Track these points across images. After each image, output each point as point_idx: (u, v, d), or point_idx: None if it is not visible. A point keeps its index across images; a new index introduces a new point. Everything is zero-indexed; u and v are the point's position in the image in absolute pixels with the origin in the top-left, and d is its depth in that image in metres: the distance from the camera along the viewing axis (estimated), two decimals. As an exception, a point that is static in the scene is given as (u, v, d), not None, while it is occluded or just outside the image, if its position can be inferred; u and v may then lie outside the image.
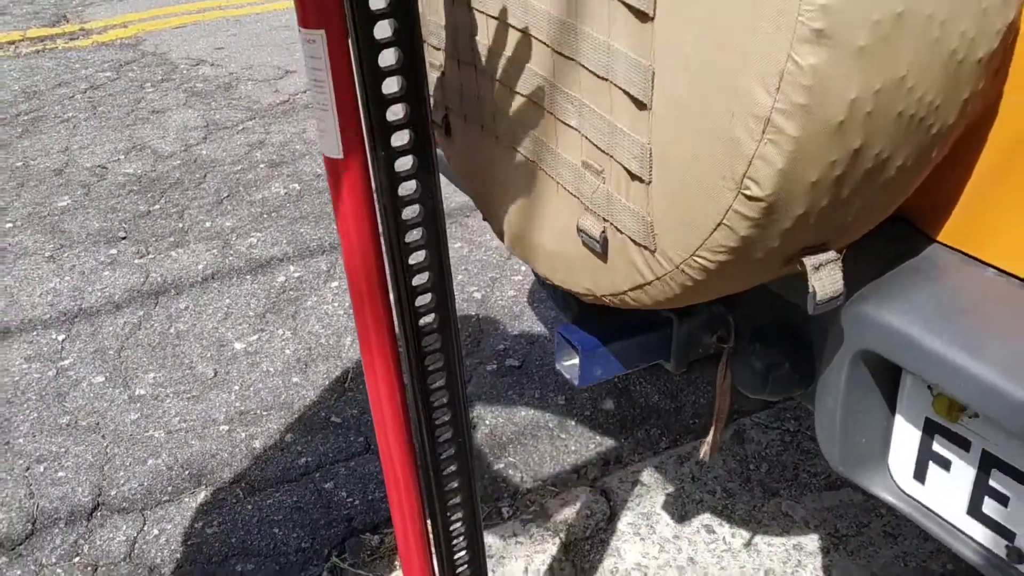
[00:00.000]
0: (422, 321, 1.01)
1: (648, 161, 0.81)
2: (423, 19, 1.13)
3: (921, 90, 0.71)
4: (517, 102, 1.01)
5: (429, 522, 1.26)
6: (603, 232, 0.92)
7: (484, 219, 1.25)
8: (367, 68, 0.81)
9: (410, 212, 0.93)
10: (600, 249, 0.93)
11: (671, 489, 2.09)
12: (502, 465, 2.16)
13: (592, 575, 1.88)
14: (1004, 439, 0.92)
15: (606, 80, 0.83)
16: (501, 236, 1.17)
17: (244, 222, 3.19)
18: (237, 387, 2.40)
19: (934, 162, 0.82)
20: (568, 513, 2.03)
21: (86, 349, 2.55)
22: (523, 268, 2.92)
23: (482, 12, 1.00)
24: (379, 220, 0.93)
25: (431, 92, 1.20)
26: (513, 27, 0.95)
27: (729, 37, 0.69)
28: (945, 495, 1.01)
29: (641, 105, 0.80)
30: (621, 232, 0.90)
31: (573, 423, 2.30)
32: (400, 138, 0.91)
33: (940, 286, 0.93)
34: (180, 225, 3.19)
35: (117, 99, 4.25)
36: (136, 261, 2.96)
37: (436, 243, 0.94)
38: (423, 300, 0.98)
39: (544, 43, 0.91)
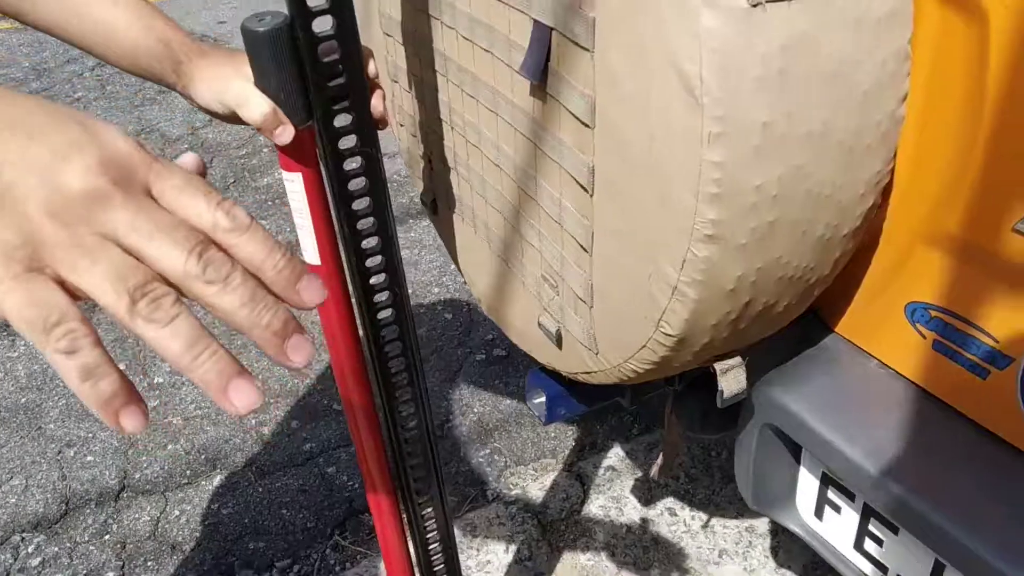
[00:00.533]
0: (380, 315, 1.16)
1: (590, 292, 1.02)
2: (416, 120, 1.33)
3: (796, 262, 0.92)
4: (491, 213, 1.21)
5: (404, 517, 1.45)
6: (558, 330, 1.13)
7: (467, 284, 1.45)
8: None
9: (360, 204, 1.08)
10: (556, 342, 1.15)
11: (639, 474, 2.33)
12: (488, 451, 2.40)
13: (567, 554, 2.12)
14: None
15: (559, 224, 1.04)
16: (480, 302, 1.39)
17: (250, 209, 3.38)
18: (247, 376, 2.62)
19: (817, 295, 1.03)
20: (546, 496, 2.27)
21: (107, 337, 2.76)
22: (511, 256, 3.12)
23: (461, 135, 1.20)
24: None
25: (422, 179, 1.40)
26: (488, 158, 1.15)
27: (649, 230, 0.89)
28: (837, 532, 1.24)
29: (584, 250, 1.00)
30: (571, 334, 1.11)
31: (553, 411, 2.52)
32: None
33: (832, 376, 1.14)
34: (189, 211, 3.37)
35: (124, 78, 4.39)
36: (150, 249, 3.16)
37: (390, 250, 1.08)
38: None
39: (512, 179, 1.11)
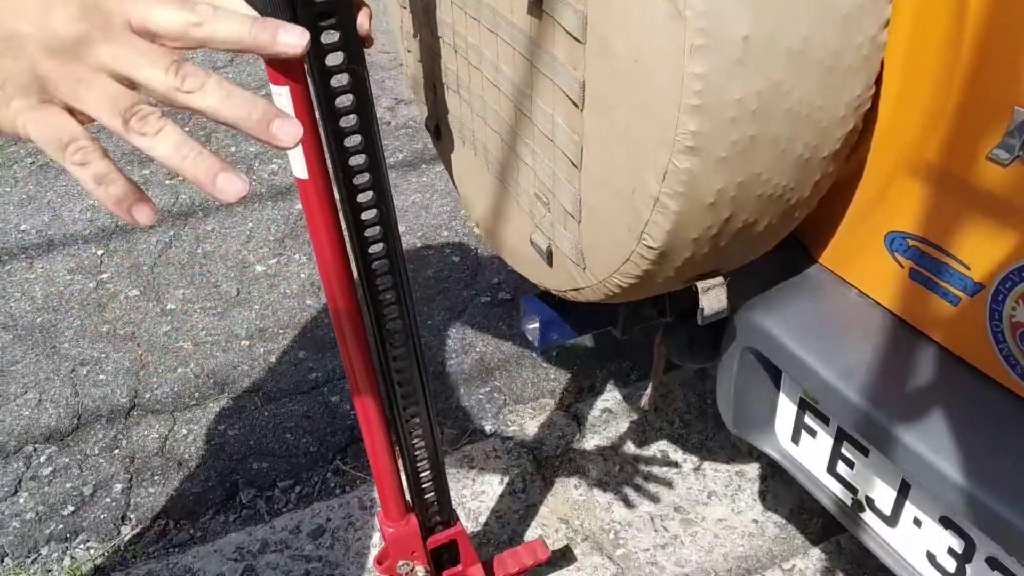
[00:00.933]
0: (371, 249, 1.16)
1: (579, 207, 1.06)
2: (421, 46, 1.36)
3: (776, 180, 0.95)
4: (490, 134, 1.25)
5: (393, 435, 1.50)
6: (549, 247, 1.18)
7: (463, 209, 1.50)
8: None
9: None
10: (547, 259, 1.19)
11: (635, 417, 2.38)
12: (488, 389, 2.45)
13: (559, 488, 2.19)
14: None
15: (551, 140, 1.08)
16: (476, 227, 1.43)
17: (266, 149, 3.43)
18: (257, 306, 2.69)
19: (799, 218, 1.07)
20: (543, 432, 2.33)
21: (122, 264, 2.83)
22: (521, 203, 3.15)
23: (464, 58, 1.23)
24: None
25: (426, 104, 1.44)
26: (487, 79, 1.19)
27: (633, 141, 0.93)
28: (812, 456, 1.29)
29: (575, 166, 1.04)
30: (560, 250, 1.15)
31: (555, 353, 2.58)
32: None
33: (812, 303, 1.19)
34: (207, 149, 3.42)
35: None
36: (167, 182, 3.21)
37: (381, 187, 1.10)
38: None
39: (508, 98, 1.15)
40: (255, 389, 2.42)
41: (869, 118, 0.99)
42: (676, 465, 2.26)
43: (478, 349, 2.58)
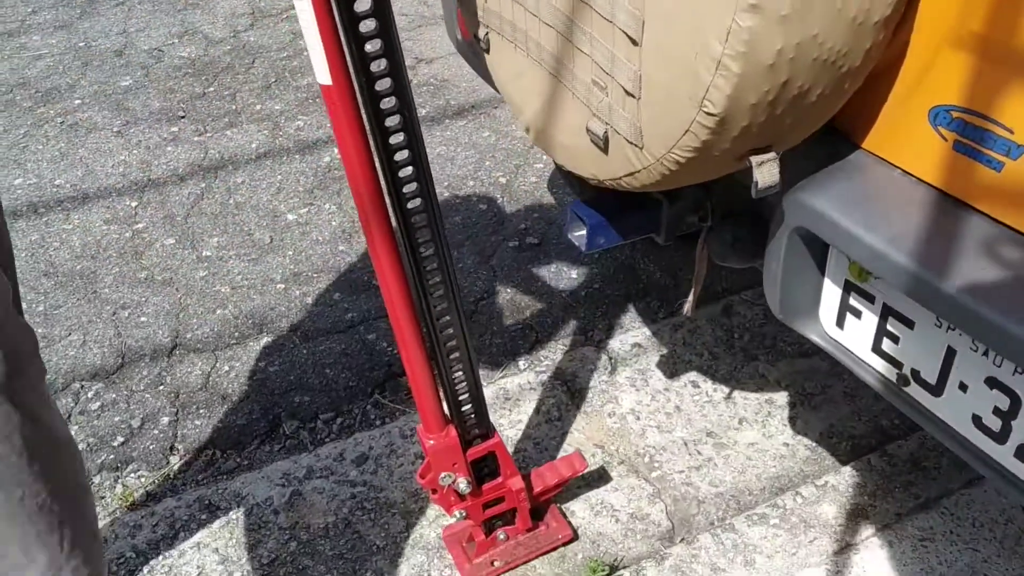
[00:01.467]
0: (409, 205, 1.29)
1: (638, 84, 1.12)
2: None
3: (831, 43, 1.01)
4: (544, 30, 1.30)
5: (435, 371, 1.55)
6: (605, 132, 1.23)
7: (513, 116, 1.55)
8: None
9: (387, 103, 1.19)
10: (603, 145, 1.25)
11: (664, 351, 2.44)
12: (520, 327, 2.51)
13: (593, 417, 2.24)
14: (896, 293, 1.25)
15: (611, 22, 1.13)
16: (527, 131, 1.48)
17: (291, 106, 3.49)
18: (291, 252, 2.75)
19: (849, 91, 1.12)
20: (575, 367, 2.39)
21: (156, 215, 2.89)
22: (544, 157, 3.21)
23: (520, -42, 1.29)
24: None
25: (476, 15, 1.49)
26: (544, -28, 1.24)
27: (696, 4, 0.98)
28: (857, 337, 1.34)
29: (635, 43, 1.10)
30: (618, 133, 1.21)
31: (583, 294, 2.63)
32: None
33: (857, 182, 1.24)
34: (233, 107, 3.49)
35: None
36: (195, 139, 3.27)
37: (413, 133, 1.19)
38: (409, 188, 1.26)
39: (567, -13, 1.20)
40: (293, 329, 2.48)
41: (917, -13, 1.05)
42: (706, 394, 2.32)
43: (508, 290, 2.63)
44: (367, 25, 1.11)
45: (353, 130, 1.20)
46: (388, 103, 1.20)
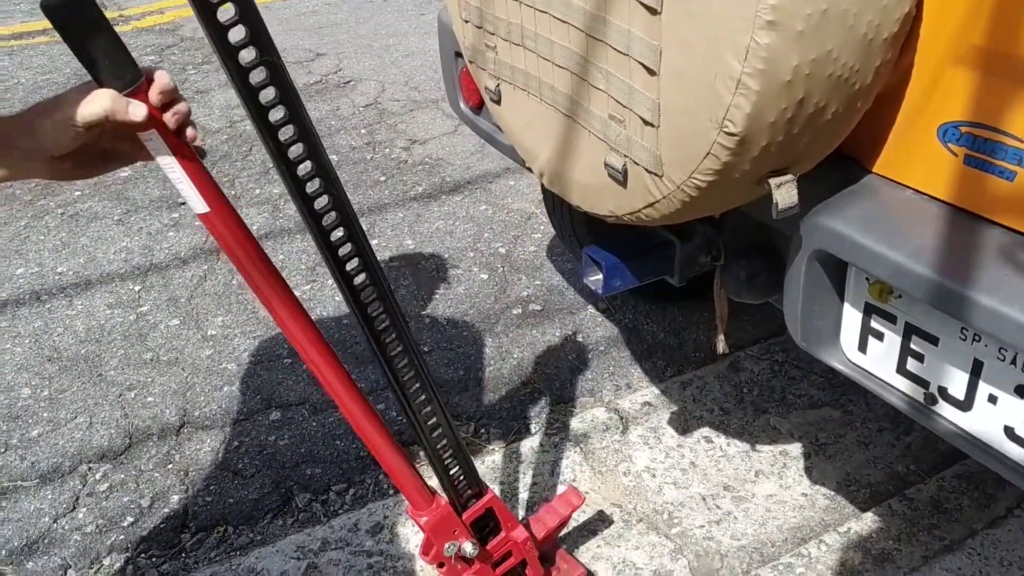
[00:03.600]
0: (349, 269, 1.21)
1: (657, 112, 1.15)
2: (482, 12, 1.47)
3: (844, 59, 1.05)
4: (558, 72, 1.34)
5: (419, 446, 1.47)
6: (624, 165, 1.26)
7: (526, 165, 1.58)
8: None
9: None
10: (622, 178, 1.27)
11: (675, 408, 2.44)
12: (528, 391, 2.51)
13: (608, 476, 2.23)
14: (918, 311, 1.26)
15: (627, 55, 1.17)
16: (541, 176, 1.51)
17: (284, 195, 3.53)
18: (296, 328, 2.75)
19: (860, 111, 1.16)
20: (586, 427, 2.37)
21: (160, 298, 2.89)
22: (542, 227, 3.25)
23: (530, 6, 1.33)
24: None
25: (487, 68, 1.54)
26: (555, 17, 1.29)
27: (714, 26, 1.02)
28: (881, 360, 1.35)
29: (652, 72, 1.13)
30: (637, 164, 1.24)
31: (590, 356, 2.64)
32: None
33: (871, 202, 1.27)
34: (232, 192, 3.53)
35: (161, 79, 4.58)
36: (196, 223, 3.30)
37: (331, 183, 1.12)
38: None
39: (579, 29, 1.24)
40: (301, 402, 2.47)
41: (920, 4, 1.09)
42: (720, 449, 2.30)
43: (514, 355, 2.64)
44: (276, 114, 1.08)
45: (244, 247, 1.16)
46: (313, 187, 1.15)
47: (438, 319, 2.80)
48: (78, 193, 3.55)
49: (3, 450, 2.33)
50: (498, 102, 1.57)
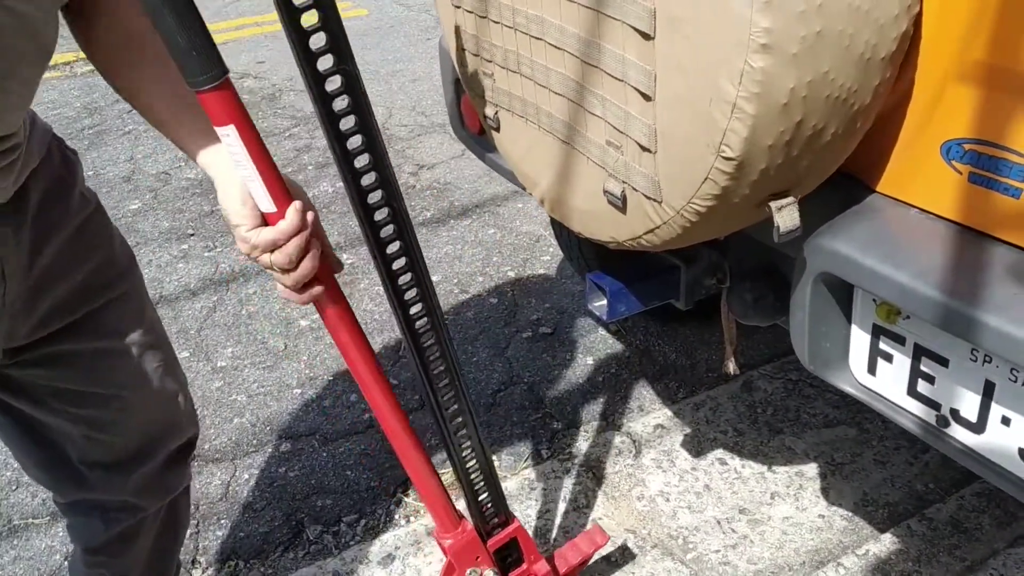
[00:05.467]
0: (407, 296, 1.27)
1: (654, 138, 1.14)
2: (479, 40, 1.46)
3: (841, 80, 1.03)
4: (554, 99, 1.33)
5: (451, 470, 1.49)
6: (623, 191, 1.24)
7: (527, 191, 1.57)
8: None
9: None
10: (621, 204, 1.26)
11: (688, 431, 2.41)
12: (540, 416, 2.49)
13: (622, 501, 2.20)
14: (927, 332, 1.24)
15: (622, 81, 1.16)
16: (542, 202, 1.50)
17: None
18: (305, 357, 2.74)
19: (860, 131, 1.14)
20: (599, 452, 2.35)
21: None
22: (551, 249, 3.24)
23: (526, 33, 1.32)
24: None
25: (485, 96, 1.53)
26: (551, 44, 1.28)
27: (708, 50, 1.01)
28: (890, 382, 1.33)
29: (648, 98, 1.12)
30: (636, 190, 1.22)
31: (601, 379, 2.62)
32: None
33: (875, 223, 1.25)
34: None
35: (171, 111, 4.60)
36: (206, 254, 3.30)
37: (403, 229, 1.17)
38: (404, 280, 1.25)
39: (574, 55, 1.23)
40: (311, 432, 2.45)
41: (918, 22, 1.08)
42: (735, 471, 2.28)
43: (525, 380, 2.62)
44: (346, 123, 1.11)
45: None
46: (375, 197, 1.18)
47: (448, 345, 2.79)
48: (88, 227, 3.56)
49: (15, 487, 2.32)
50: (497, 129, 1.56)
